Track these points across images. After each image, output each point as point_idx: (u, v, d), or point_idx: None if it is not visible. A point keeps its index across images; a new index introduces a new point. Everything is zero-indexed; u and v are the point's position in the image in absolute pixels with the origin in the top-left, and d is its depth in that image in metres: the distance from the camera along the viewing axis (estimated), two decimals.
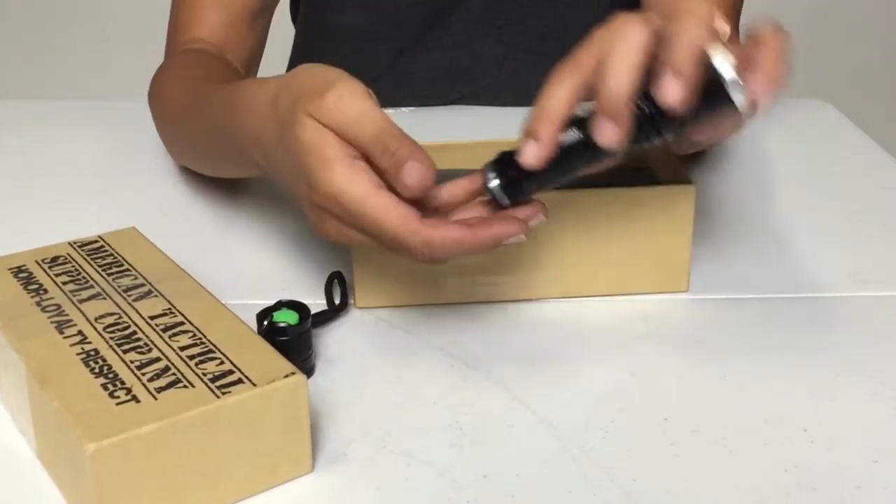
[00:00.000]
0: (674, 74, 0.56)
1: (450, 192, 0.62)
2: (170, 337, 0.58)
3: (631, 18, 0.58)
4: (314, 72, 0.62)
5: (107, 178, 0.94)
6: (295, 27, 1.18)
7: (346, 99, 0.59)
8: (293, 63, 1.18)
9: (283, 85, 0.63)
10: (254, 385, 0.53)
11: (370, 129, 0.58)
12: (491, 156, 0.79)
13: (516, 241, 0.60)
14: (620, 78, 0.56)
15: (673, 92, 0.56)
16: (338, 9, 1.07)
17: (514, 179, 0.61)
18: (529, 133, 0.59)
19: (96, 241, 0.69)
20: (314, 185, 0.59)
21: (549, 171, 0.60)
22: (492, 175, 0.61)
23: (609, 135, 0.57)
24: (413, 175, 0.57)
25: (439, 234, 0.58)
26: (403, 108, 1.07)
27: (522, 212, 0.61)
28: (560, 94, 0.59)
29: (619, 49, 0.57)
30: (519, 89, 1.10)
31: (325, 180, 0.58)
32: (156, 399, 0.52)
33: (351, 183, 0.58)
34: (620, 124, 0.57)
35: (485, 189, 0.62)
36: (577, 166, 0.61)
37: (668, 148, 0.78)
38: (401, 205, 0.58)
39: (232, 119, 0.69)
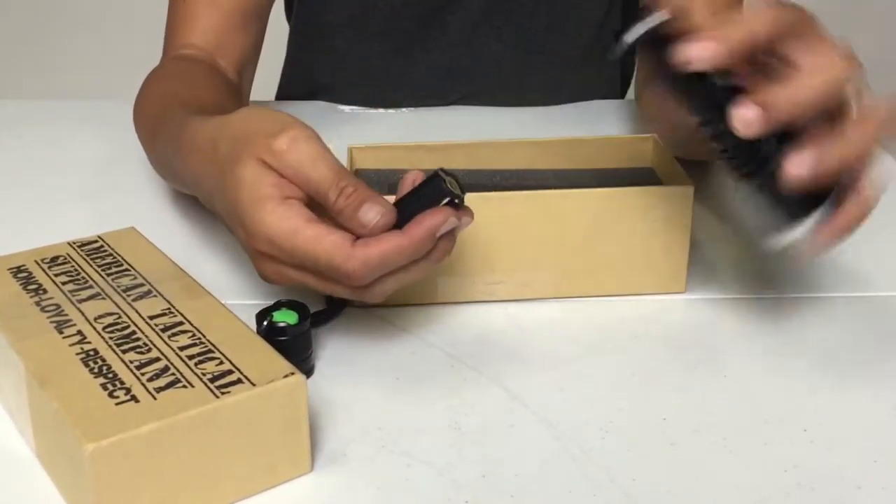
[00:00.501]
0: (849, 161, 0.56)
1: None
2: (169, 337, 0.58)
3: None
4: (263, 114, 0.62)
5: (107, 178, 0.94)
6: (289, 25, 1.18)
7: (301, 142, 0.59)
8: (289, 62, 1.18)
9: (223, 126, 0.63)
10: (253, 385, 0.53)
11: (326, 172, 0.58)
12: (491, 156, 0.79)
13: (451, 226, 0.59)
14: (803, 91, 0.55)
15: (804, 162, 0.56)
16: (332, 6, 1.07)
17: (660, 40, 0.57)
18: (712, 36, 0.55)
19: (96, 241, 0.69)
20: (249, 229, 0.59)
21: (688, 82, 0.57)
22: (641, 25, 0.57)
23: (751, 117, 0.55)
24: (372, 213, 0.58)
25: (375, 249, 0.58)
26: (403, 108, 1.07)
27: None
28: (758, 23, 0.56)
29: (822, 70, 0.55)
30: (518, 89, 1.10)
31: (258, 220, 0.58)
32: (155, 399, 0.52)
33: (282, 219, 0.58)
34: (769, 116, 0.55)
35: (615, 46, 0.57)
36: (703, 103, 0.58)
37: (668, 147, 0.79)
38: (332, 232, 0.58)
39: (179, 155, 0.70)
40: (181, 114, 0.75)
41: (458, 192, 0.60)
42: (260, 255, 0.61)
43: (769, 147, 0.57)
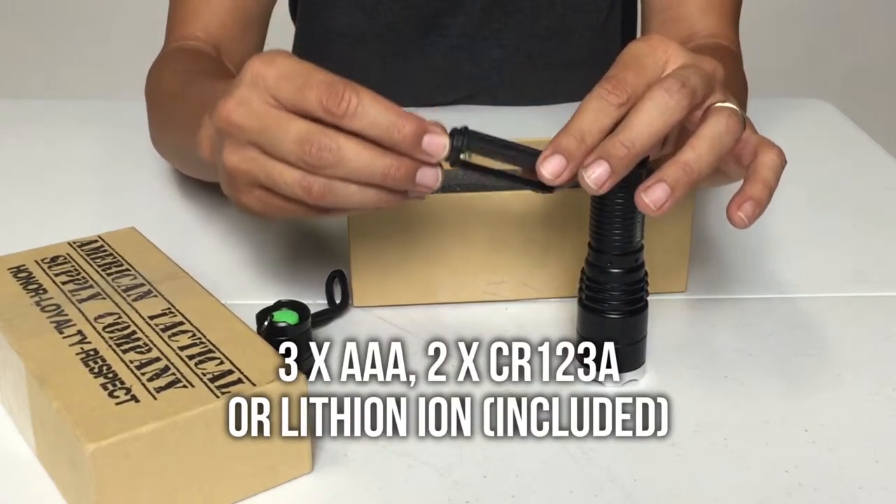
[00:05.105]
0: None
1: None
2: (169, 337, 0.58)
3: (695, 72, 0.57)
4: None
5: (107, 178, 0.94)
6: (295, 27, 1.18)
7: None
8: None
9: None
10: (253, 385, 0.53)
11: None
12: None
13: (439, 142, 0.60)
14: (642, 136, 0.55)
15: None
16: (334, 10, 1.07)
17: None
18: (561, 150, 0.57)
19: (96, 241, 0.69)
20: (230, 92, 0.57)
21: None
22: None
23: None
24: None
25: (375, 95, 0.57)
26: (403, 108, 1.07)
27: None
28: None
29: (659, 104, 0.55)
30: (518, 92, 1.10)
31: (243, 72, 0.57)
32: (155, 399, 0.52)
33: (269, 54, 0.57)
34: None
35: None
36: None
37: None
38: None
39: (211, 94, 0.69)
40: (209, 80, 0.74)
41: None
42: (234, 144, 0.57)
43: None
